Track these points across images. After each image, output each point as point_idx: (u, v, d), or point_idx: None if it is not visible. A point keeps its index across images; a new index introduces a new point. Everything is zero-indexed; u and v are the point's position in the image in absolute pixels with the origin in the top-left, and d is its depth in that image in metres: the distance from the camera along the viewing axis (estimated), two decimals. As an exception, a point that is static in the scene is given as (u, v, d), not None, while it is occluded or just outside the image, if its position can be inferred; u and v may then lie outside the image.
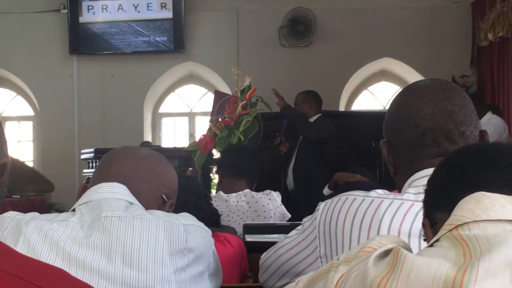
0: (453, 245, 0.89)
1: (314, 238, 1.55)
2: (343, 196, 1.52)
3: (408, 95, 1.56)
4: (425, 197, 1.11)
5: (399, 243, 0.96)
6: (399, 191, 1.53)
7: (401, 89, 1.66)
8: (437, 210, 1.04)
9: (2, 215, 1.46)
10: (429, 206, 1.09)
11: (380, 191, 1.49)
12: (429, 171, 1.39)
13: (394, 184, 1.62)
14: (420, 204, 1.21)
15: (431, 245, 0.93)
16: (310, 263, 1.58)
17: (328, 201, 1.55)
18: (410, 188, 1.47)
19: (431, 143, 1.48)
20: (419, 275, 0.84)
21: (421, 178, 1.46)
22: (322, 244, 1.53)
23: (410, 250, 0.92)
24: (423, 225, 1.08)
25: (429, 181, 1.12)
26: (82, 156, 7.01)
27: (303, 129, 5.89)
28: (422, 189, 1.34)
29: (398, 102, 1.57)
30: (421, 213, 1.17)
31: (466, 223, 0.91)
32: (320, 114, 6.00)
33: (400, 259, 0.88)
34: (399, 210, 1.41)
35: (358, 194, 1.49)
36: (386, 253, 0.93)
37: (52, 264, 1.20)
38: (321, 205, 1.56)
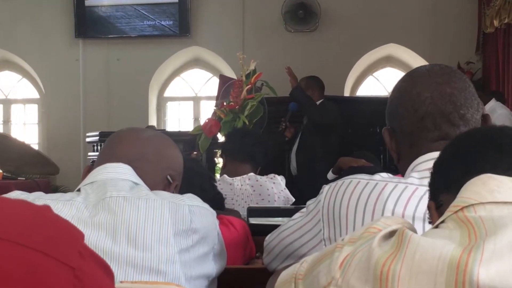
0: (459, 226, 0.88)
1: (318, 221, 1.55)
2: (347, 179, 1.52)
3: (408, 80, 1.56)
4: (431, 179, 1.11)
5: (404, 224, 0.96)
6: (403, 176, 1.53)
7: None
8: (442, 192, 1.04)
9: (7, 194, 1.46)
10: (435, 188, 1.08)
11: (384, 174, 1.49)
12: (432, 155, 1.40)
13: (399, 170, 1.62)
14: (424, 188, 1.21)
15: (437, 227, 0.93)
16: (313, 245, 1.58)
17: (332, 184, 1.55)
18: (414, 173, 1.46)
19: (432, 126, 1.48)
20: (424, 256, 0.84)
21: (424, 162, 1.46)
22: (326, 227, 1.52)
23: (415, 231, 0.92)
24: (429, 207, 1.08)
25: (435, 163, 1.11)
26: (87, 139, 7.03)
27: (310, 112, 5.82)
28: (425, 173, 1.34)
29: (398, 88, 1.58)
30: (425, 197, 1.16)
31: (472, 205, 0.91)
32: (323, 99, 5.98)
33: (405, 240, 0.88)
34: (403, 193, 1.40)
35: (362, 178, 1.49)
36: (391, 234, 0.93)
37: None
38: (325, 188, 1.56)
